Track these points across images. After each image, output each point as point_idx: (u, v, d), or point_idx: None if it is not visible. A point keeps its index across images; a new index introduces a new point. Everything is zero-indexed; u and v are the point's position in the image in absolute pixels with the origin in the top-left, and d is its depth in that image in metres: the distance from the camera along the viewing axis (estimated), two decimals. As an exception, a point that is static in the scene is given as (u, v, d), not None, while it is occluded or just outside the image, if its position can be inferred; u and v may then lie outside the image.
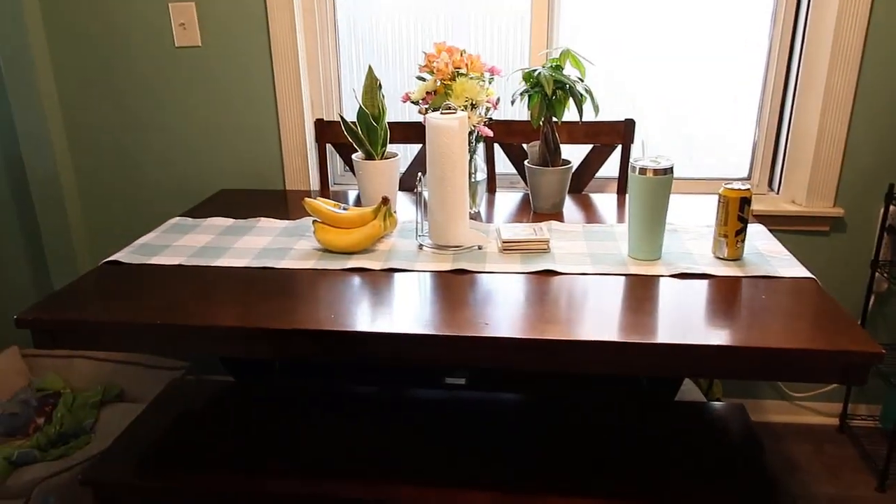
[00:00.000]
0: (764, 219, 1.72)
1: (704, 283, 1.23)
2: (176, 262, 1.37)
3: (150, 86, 1.97)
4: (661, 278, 1.25)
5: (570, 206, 1.70)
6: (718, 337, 1.04)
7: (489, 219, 1.63)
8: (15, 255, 2.24)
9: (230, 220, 1.62)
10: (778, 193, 1.95)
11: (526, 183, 1.75)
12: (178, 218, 1.65)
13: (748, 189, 1.28)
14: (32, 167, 2.03)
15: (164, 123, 2.01)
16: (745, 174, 1.99)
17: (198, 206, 1.78)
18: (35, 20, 1.92)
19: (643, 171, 1.26)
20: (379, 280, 1.27)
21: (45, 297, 1.24)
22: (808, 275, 1.25)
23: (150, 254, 1.42)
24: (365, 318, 1.13)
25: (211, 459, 1.35)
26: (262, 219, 1.62)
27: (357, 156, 1.64)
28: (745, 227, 1.30)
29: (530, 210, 1.67)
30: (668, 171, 1.26)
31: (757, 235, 1.45)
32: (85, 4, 1.91)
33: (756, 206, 1.84)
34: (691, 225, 1.51)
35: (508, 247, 1.37)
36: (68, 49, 1.96)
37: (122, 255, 1.40)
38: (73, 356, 2.03)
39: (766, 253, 1.36)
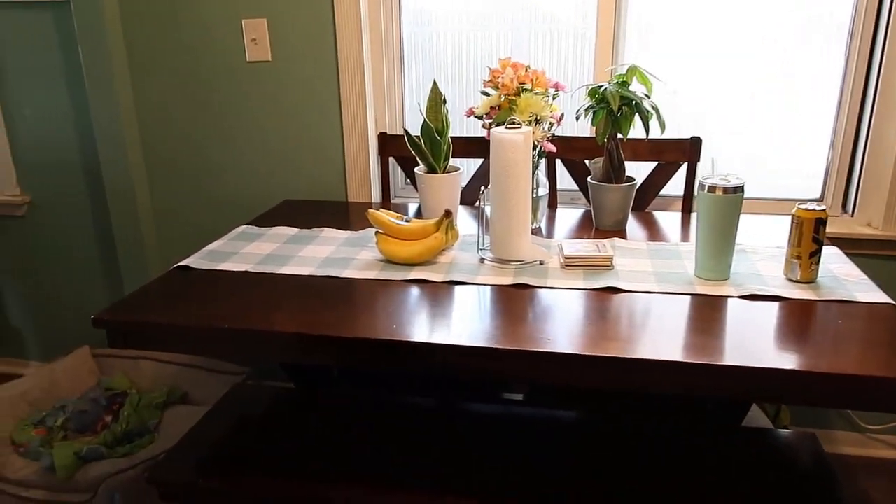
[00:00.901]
0: (837, 242, 1.65)
1: (775, 305, 1.19)
2: (243, 269, 1.40)
3: (221, 98, 2.04)
4: (730, 299, 1.21)
5: (632, 224, 1.67)
6: (790, 361, 1.00)
7: (550, 234, 1.61)
8: (90, 258, 2.34)
9: (295, 230, 1.65)
10: (853, 216, 1.87)
11: (588, 199, 1.73)
12: (244, 226, 1.69)
13: (824, 210, 1.24)
14: (109, 176, 2.12)
15: (233, 135, 2.07)
16: (817, 195, 1.92)
17: (263, 215, 1.82)
18: (116, 35, 2.01)
19: (713, 189, 1.23)
20: (440, 292, 1.27)
21: (118, 300, 1.29)
22: (888, 300, 1.20)
23: (218, 260, 1.46)
24: (425, 329, 1.13)
25: (270, 463, 1.37)
26: (326, 229, 1.65)
27: (419, 169, 1.66)
28: (820, 248, 1.25)
29: (592, 227, 1.65)
30: (739, 189, 1.23)
31: (831, 258, 1.40)
32: (163, 18, 1.99)
33: (829, 229, 1.77)
34: (761, 246, 1.47)
35: (571, 263, 1.36)
36: (146, 62, 2.04)
37: (192, 261, 1.45)
38: (139, 357, 2.11)
39: (842, 276, 1.31)
